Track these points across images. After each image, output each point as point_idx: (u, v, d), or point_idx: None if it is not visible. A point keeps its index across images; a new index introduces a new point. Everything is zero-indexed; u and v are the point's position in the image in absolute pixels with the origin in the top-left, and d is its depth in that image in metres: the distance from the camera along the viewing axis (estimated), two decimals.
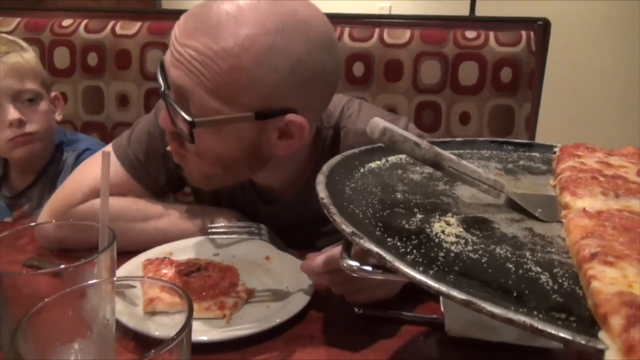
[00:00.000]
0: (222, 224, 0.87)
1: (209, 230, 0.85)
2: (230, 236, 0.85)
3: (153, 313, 0.65)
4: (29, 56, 1.17)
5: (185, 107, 0.69)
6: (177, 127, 0.72)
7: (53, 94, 1.23)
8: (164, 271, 0.75)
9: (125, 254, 0.78)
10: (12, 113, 1.11)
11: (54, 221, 0.84)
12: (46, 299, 0.39)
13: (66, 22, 1.47)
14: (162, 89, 0.71)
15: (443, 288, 0.35)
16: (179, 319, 0.39)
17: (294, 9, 0.70)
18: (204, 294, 0.69)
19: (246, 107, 0.69)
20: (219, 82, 0.67)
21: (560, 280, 0.37)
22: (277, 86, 0.69)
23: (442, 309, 0.66)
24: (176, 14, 1.47)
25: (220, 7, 0.67)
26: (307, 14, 0.71)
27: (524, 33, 1.27)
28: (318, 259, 0.67)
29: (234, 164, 0.76)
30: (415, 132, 0.91)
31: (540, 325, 0.31)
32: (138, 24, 1.43)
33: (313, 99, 0.74)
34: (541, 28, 1.29)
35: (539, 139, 1.21)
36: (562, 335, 0.30)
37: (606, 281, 0.34)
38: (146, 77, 1.42)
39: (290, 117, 0.71)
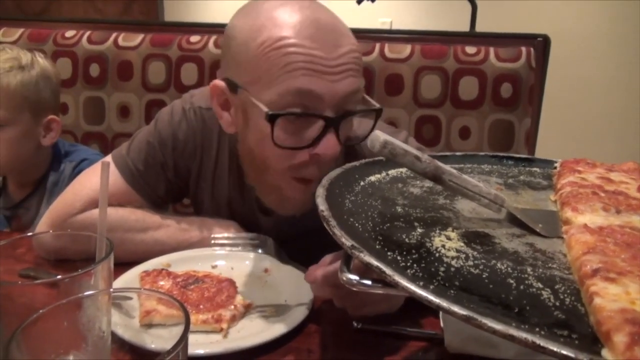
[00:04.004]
0: (226, 235, 0.87)
1: (212, 242, 0.84)
2: (233, 248, 0.84)
3: (149, 325, 0.64)
4: (8, 79, 1.10)
5: (356, 106, 0.77)
6: (349, 139, 0.78)
7: (48, 117, 1.17)
8: (161, 283, 0.74)
9: (122, 265, 0.77)
10: None
11: (51, 231, 0.83)
12: (41, 310, 0.38)
13: (69, 33, 1.48)
14: (330, 116, 0.73)
15: (444, 303, 0.34)
16: (175, 332, 0.39)
17: None
18: (201, 306, 0.69)
19: None
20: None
21: (562, 297, 0.37)
22: None
23: (441, 324, 0.65)
24: (179, 27, 1.48)
25: (330, 12, 0.76)
26: None
27: (523, 49, 1.28)
28: (319, 271, 0.66)
29: None
30: (415, 145, 0.91)
31: (542, 343, 0.31)
32: (140, 36, 1.44)
33: None
34: (541, 44, 1.30)
35: (539, 154, 1.21)
36: (564, 352, 0.30)
37: (608, 298, 0.33)
38: (147, 88, 1.42)
39: None
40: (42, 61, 1.18)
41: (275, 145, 0.73)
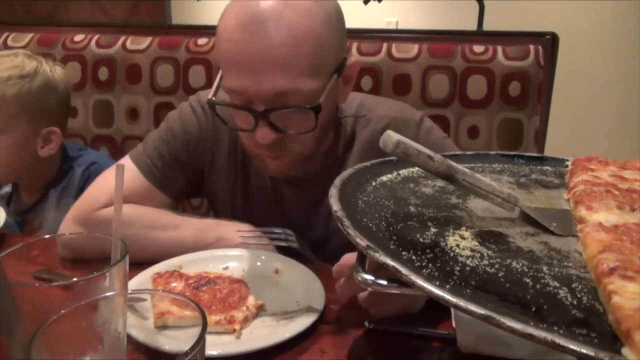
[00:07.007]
0: (252, 229, 0.88)
1: (239, 236, 0.86)
2: (259, 242, 0.87)
3: (164, 327, 0.64)
4: (5, 88, 1.08)
5: (294, 103, 0.75)
6: (284, 131, 0.77)
7: (48, 128, 1.15)
8: (174, 284, 0.74)
9: (134, 267, 0.77)
10: None
11: (67, 233, 0.84)
12: (62, 311, 0.39)
13: (78, 37, 1.49)
14: (260, 110, 0.74)
15: (461, 303, 0.34)
16: (190, 333, 0.39)
17: None
18: (213, 307, 0.69)
19: (331, 72, 0.77)
20: (313, 61, 0.73)
21: (579, 295, 0.37)
22: (340, 39, 0.78)
23: (453, 324, 0.65)
24: (186, 29, 1.49)
25: (268, 2, 0.72)
26: None
27: (532, 47, 1.28)
28: (347, 270, 0.66)
29: (325, 132, 0.85)
30: (428, 125, 0.95)
31: (562, 342, 0.30)
32: (148, 39, 1.44)
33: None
34: (549, 42, 1.29)
35: (548, 152, 1.21)
36: (584, 351, 0.30)
37: (627, 296, 0.33)
38: (156, 91, 1.43)
39: (350, 62, 0.81)
40: (49, 70, 1.15)
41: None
